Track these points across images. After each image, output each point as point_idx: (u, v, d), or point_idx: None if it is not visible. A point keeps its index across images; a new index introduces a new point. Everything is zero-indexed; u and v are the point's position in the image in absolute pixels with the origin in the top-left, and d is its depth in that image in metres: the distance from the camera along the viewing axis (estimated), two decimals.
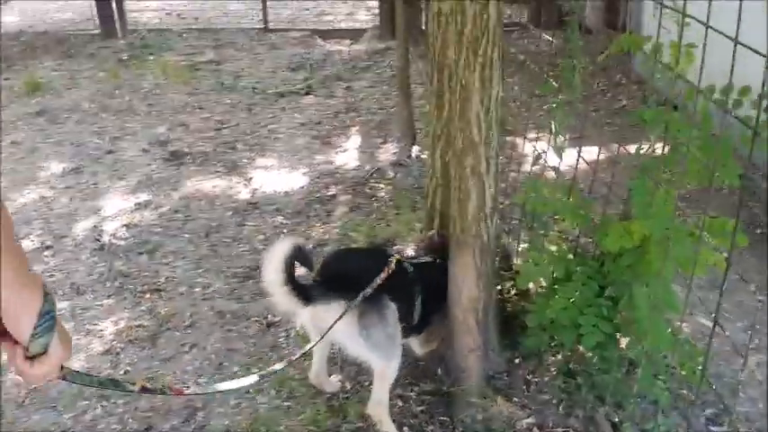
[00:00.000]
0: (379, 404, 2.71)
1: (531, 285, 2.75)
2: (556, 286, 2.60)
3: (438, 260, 2.89)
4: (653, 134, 2.16)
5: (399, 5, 5.19)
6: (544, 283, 2.58)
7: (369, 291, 2.47)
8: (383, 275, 2.53)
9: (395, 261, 2.63)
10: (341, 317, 2.42)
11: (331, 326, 2.45)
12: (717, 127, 2.13)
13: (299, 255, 2.52)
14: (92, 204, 5.19)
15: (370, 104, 6.70)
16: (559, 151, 2.86)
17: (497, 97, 2.38)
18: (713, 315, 1.97)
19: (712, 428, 2.63)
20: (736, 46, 1.65)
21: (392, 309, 2.60)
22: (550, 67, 3.05)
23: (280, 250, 2.47)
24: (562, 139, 2.88)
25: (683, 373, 2.36)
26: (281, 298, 2.49)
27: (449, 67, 2.63)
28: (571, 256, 2.65)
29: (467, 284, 2.71)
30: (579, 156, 2.76)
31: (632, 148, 2.57)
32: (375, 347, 2.57)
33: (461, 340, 2.81)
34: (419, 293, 2.74)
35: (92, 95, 7.69)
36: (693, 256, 2.11)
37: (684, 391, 2.81)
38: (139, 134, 6.54)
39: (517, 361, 2.98)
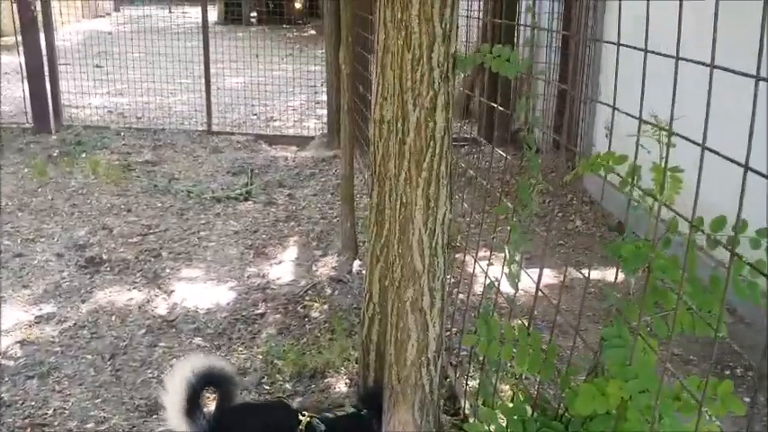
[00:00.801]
0: None
1: None
2: None
3: (364, 411, 2.39)
4: (630, 273, 1.78)
5: (345, 111, 4.91)
6: None
7: None
8: None
9: (305, 422, 2.12)
10: None
11: None
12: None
13: (212, 379, 1.99)
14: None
15: (312, 213, 6.31)
16: (514, 280, 2.46)
17: (444, 219, 1.99)
18: None
19: None
20: (746, 173, 1.30)
21: None
22: (503, 185, 2.70)
23: (186, 370, 1.94)
24: (517, 267, 2.48)
25: None
26: None
27: (390, 180, 2.25)
28: (529, 410, 2.20)
29: None
30: (538, 287, 2.36)
31: (588, 273, 2.18)
32: None
33: None
34: None
35: (12, 192, 7.11)
36: (684, 428, 1.68)
37: None
38: (56, 237, 5.96)
39: None
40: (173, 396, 1.92)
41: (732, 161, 1.36)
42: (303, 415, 2.16)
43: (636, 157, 1.73)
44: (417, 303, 2.04)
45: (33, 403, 3.55)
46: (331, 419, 2.26)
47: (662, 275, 1.67)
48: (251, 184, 7.08)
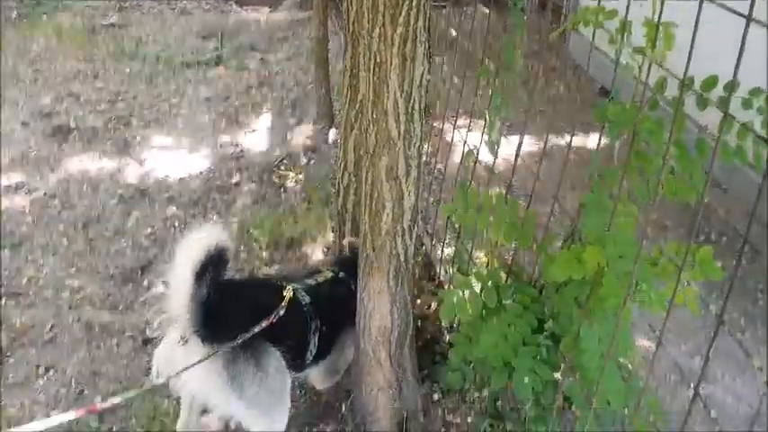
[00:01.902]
0: None
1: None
2: (485, 314, 2.12)
3: (342, 274, 2.37)
4: (615, 137, 1.69)
5: None
6: (471, 312, 2.10)
7: (240, 340, 1.92)
8: (265, 323, 1.98)
9: (288, 297, 2.09)
10: (192, 366, 1.87)
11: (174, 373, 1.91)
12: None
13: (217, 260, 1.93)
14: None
15: (285, 79, 6.08)
16: (494, 147, 2.39)
17: (422, 81, 1.87)
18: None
19: None
20: (748, 24, 1.19)
21: (275, 356, 2.06)
22: (486, 47, 2.56)
23: (197, 248, 1.87)
24: (497, 134, 2.40)
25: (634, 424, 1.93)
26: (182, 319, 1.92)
27: (364, 39, 2.10)
28: (504, 278, 2.19)
29: (378, 313, 2.20)
30: (518, 153, 2.29)
31: (570, 140, 2.11)
32: (251, 404, 2.02)
33: (370, 376, 2.32)
34: (315, 329, 2.21)
35: None
36: (661, 294, 1.67)
37: None
38: (20, 104, 5.71)
39: (436, 397, 2.51)
40: (186, 262, 1.84)
41: (733, 11, 1.24)
42: (286, 289, 2.12)
43: (627, 12, 1.60)
44: (392, 172, 1.96)
45: (7, 273, 3.51)
46: (313, 287, 2.25)
47: (648, 138, 1.59)
48: (221, 48, 6.77)
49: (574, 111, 5.23)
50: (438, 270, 3.05)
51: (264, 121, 5.31)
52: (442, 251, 3.14)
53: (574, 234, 1.92)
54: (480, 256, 3.18)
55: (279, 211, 4.02)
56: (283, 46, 6.98)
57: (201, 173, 4.54)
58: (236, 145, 4.95)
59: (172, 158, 4.75)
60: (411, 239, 2.13)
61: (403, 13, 1.75)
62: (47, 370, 2.87)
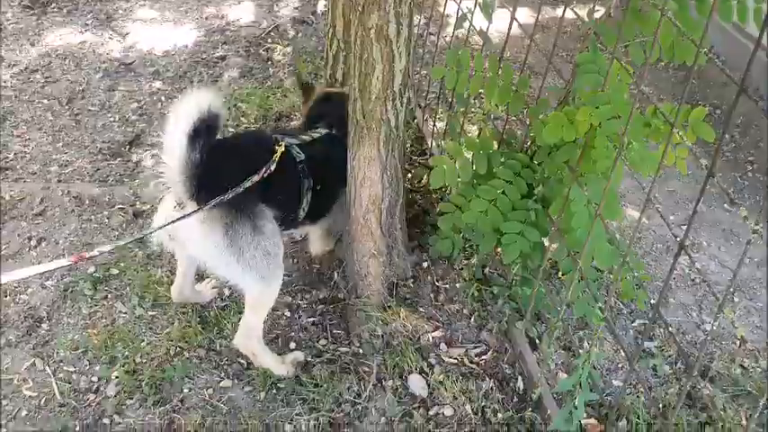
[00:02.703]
0: (249, 338, 2.21)
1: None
2: (475, 182, 2.11)
3: (336, 131, 2.33)
4: None
5: None
6: (461, 179, 2.09)
7: (231, 194, 1.91)
8: (257, 177, 1.97)
9: (280, 152, 2.06)
10: (182, 218, 1.87)
11: (163, 226, 1.92)
12: None
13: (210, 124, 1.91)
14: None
15: None
16: (488, 12, 2.29)
17: None
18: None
19: (645, 345, 2.31)
20: None
21: (268, 217, 2.06)
22: None
23: (192, 107, 1.85)
24: None
25: (618, 285, 1.97)
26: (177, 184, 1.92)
27: None
28: (495, 146, 2.16)
29: (369, 180, 2.19)
30: (513, 18, 2.20)
31: (563, 10, 2.02)
32: (249, 267, 2.03)
33: (361, 244, 2.34)
34: (309, 187, 2.20)
35: None
36: (652, 156, 1.66)
37: (612, 300, 2.48)
38: None
39: (425, 265, 2.55)
40: (179, 123, 1.85)
41: None
42: (279, 144, 2.09)
43: None
44: (383, 31, 1.88)
45: None
46: (307, 143, 2.22)
47: None
48: None
49: None
50: (430, 144, 3.02)
51: None
52: (435, 124, 3.09)
53: (567, 97, 1.88)
54: (473, 130, 3.14)
55: (266, 84, 3.92)
56: None
57: (186, 46, 4.40)
58: (222, 17, 4.76)
59: (156, 32, 4.58)
60: (402, 105, 2.08)
61: None
62: (39, 242, 2.88)
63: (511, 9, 2.20)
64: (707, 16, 1.58)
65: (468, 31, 2.54)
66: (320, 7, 4.66)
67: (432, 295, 2.44)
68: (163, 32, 4.57)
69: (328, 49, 2.74)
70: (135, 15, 4.83)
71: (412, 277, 2.48)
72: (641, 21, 1.72)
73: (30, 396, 2.25)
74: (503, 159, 2.05)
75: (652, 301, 2.36)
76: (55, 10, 4.90)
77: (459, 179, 2.07)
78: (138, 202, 3.07)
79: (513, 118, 2.69)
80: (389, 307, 2.36)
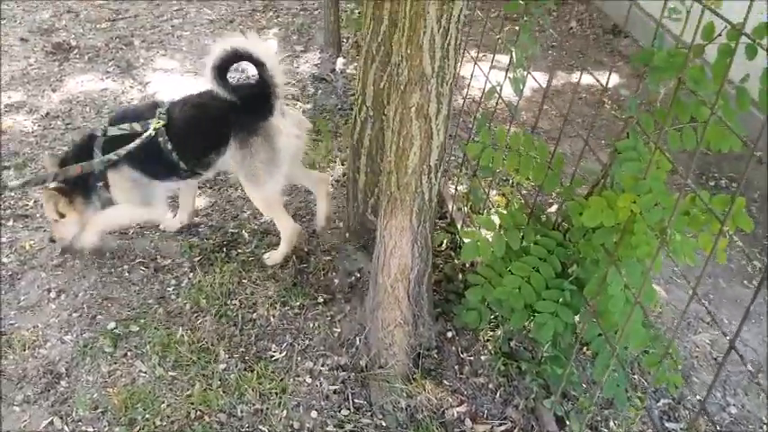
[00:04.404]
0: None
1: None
2: (506, 256, 2.12)
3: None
4: (655, 82, 1.65)
5: None
6: (494, 253, 2.10)
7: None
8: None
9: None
10: None
11: None
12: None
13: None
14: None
15: (291, 4, 5.89)
16: (518, 86, 2.34)
17: (460, 16, 1.81)
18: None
19: (668, 425, 2.29)
20: None
21: None
22: None
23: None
24: (522, 71, 2.35)
25: (650, 368, 1.97)
26: None
27: None
28: (524, 217, 2.18)
29: (399, 250, 2.20)
30: (547, 93, 2.24)
31: (577, 78, 2.06)
32: None
33: (387, 312, 2.34)
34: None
35: None
36: (691, 243, 1.68)
37: (636, 377, 2.47)
38: (18, 20, 5.54)
39: (450, 335, 2.54)
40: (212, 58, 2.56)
41: None
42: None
43: None
44: (423, 109, 1.92)
45: (12, 195, 3.47)
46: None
47: (694, 87, 1.55)
48: None
49: (585, 47, 5.12)
50: (451, 207, 3.04)
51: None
52: (456, 188, 3.11)
53: (604, 179, 1.91)
54: (494, 195, 3.17)
55: None
56: None
57: None
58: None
59: (176, 82, 4.65)
60: (436, 178, 2.11)
61: None
62: (58, 294, 2.87)
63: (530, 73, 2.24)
64: (746, 109, 1.62)
65: (496, 104, 2.59)
66: (339, 65, 4.74)
67: (456, 367, 2.43)
68: (182, 82, 4.64)
69: (357, 114, 2.77)
70: (155, 65, 4.91)
71: (436, 347, 2.47)
72: (682, 109, 1.75)
73: None
74: (536, 235, 2.07)
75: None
76: (77, 57, 4.99)
77: (493, 254, 2.08)
78: (158, 256, 3.07)
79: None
80: (414, 379, 2.34)
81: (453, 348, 2.48)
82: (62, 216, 2.90)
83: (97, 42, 5.19)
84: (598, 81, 2.13)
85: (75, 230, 2.97)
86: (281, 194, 2.94)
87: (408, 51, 1.85)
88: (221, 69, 2.62)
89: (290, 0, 5.99)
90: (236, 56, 2.62)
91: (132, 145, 2.67)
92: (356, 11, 5.41)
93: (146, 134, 2.69)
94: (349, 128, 3.88)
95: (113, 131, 2.77)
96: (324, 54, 4.87)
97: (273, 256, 2.98)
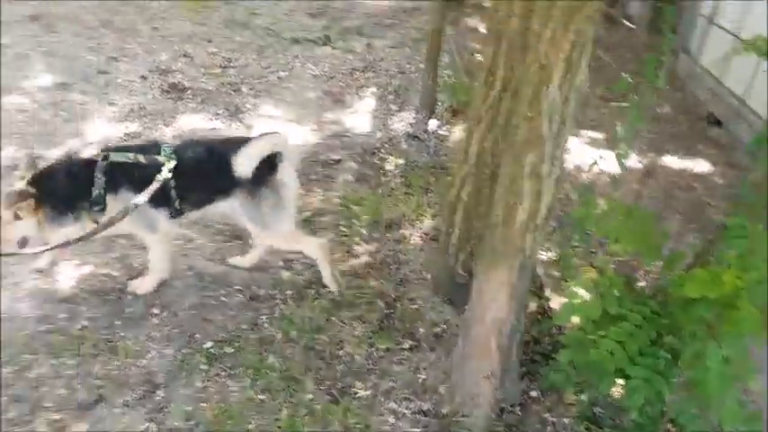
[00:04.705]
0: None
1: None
2: (599, 321, 2.18)
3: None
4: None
5: None
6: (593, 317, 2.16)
7: None
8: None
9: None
10: None
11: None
12: None
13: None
14: (74, 127, 4.70)
15: (389, 66, 6.20)
16: (622, 160, 2.44)
17: (580, 86, 1.94)
18: None
19: None
20: None
21: None
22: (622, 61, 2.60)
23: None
24: (627, 147, 2.45)
25: None
26: None
27: (514, 38, 2.19)
28: (621, 283, 2.24)
29: (496, 304, 2.30)
30: (650, 171, 2.33)
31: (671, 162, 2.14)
32: None
33: (477, 363, 2.42)
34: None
35: (93, 7, 7.13)
36: None
37: None
38: (139, 58, 6.02)
39: (534, 394, 2.59)
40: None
41: None
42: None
43: None
44: (536, 169, 2.04)
45: None
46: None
47: None
48: (329, 29, 6.94)
49: (678, 132, 5.18)
50: (540, 272, 3.11)
51: (367, 104, 5.44)
52: (546, 254, 3.20)
53: (708, 253, 1.97)
54: (582, 264, 3.23)
55: (378, 191, 4.13)
56: (389, 33, 7.10)
57: (305, 145, 4.70)
58: (340, 124, 5.10)
59: (277, 128, 4.92)
60: (540, 237, 2.21)
61: (576, 21, 1.83)
62: (161, 310, 3.06)
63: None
64: None
65: (599, 174, 2.69)
66: (432, 125, 4.93)
67: (539, 426, 2.47)
68: (284, 130, 4.90)
69: (457, 171, 2.91)
70: (260, 111, 5.24)
71: (519, 404, 2.52)
72: None
73: None
74: (633, 304, 2.13)
75: None
76: (190, 97, 5.37)
77: (587, 317, 2.15)
78: (254, 286, 3.24)
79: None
80: (495, 430, 2.40)
81: (537, 408, 2.52)
82: (17, 218, 2.83)
83: (209, 86, 5.58)
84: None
85: (22, 238, 2.87)
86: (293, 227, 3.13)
87: (528, 114, 1.99)
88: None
89: (388, 62, 6.31)
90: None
91: (154, 186, 2.82)
92: (452, 78, 5.64)
93: (164, 171, 2.85)
94: (441, 185, 4.05)
95: (117, 157, 2.88)
96: (418, 115, 5.08)
97: (328, 282, 3.20)
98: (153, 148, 2.97)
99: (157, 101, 5.25)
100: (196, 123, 4.92)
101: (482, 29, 6.86)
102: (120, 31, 6.61)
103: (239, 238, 3.64)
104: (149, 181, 2.83)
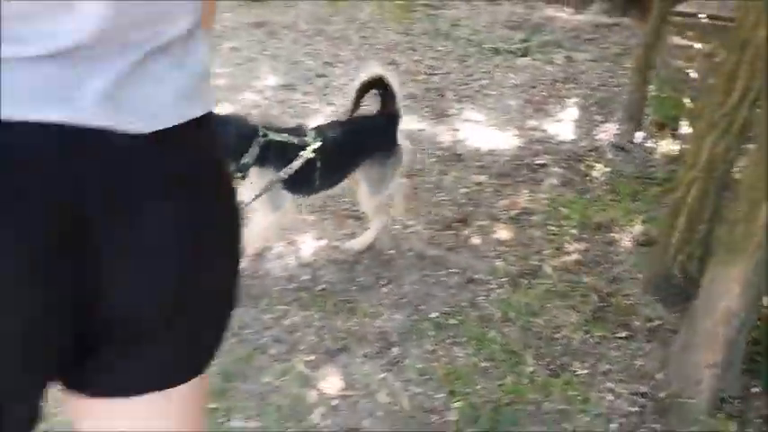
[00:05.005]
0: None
1: None
2: None
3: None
4: None
5: None
6: None
7: None
8: None
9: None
10: None
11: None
12: None
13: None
14: (300, 122, 5.26)
15: (591, 79, 6.29)
16: None
17: None
18: None
19: None
20: None
21: None
22: None
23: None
24: None
25: None
26: None
27: (761, 47, 2.30)
28: None
29: (728, 296, 2.40)
30: None
31: None
32: None
33: (699, 353, 2.52)
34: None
35: (309, 17, 7.84)
36: None
37: None
38: (351, 64, 6.56)
39: (754, 390, 2.65)
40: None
41: None
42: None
43: None
44: None
45: (346, 200, 4.13)
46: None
47: None
48: (528, 41, 7.15)
49: None
50: None
51: (570, 113, 5.59)
52: None
53: None
54: None
55: (586, 197, 4.28)
56: (588, 47, 7.18)
57: (509, 150, 4.94)
58: (543, 130, 5.29)
59: (482, 132, 5.22)
60: None
61: None
62: (388, 282, 3.43)
63: None
64: None
65: None
66: (638, 137, 4.99)
67: (759, 421, 2.52)
68: (487, 134, 5.19)
69: (683, 175, 3.03)
70: (464, 116, 5.55)
71: (740, 398, 2.59)
72: None
73: (383, 402, 2.70)
74: None
75: None
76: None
77: None
78: (469, 270, 3.53)
79: None
80: (717, 417, 2.49)
81: (758, 403, 2.58)
82: None
83: (415, 91, 5.98)
84: None
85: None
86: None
87: None
88: (361, 93, 3.46)
89: (589, 75, 6.41)
90: (376, 83, 3.45)
91: (297, 163, 3.10)
92: (659, 92, 5.65)
93: (308, 150, 3.13)
94: (649, 193, 4.14)
95: (274, 136, 3.13)
96: (623, 126, 5.15)
97: (359, 242, 3.65)
98: (299, 130, 3.31)
99: (367, 101, 5.72)
100: (405, 125, 5.31)
101: (688, 44, 6.80)
102: (333, 39, 7.23)
103: (450, 228, 3.95)
104: (292, 160, 3.12)
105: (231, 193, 1.00)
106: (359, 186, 3.56)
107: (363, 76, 3.45)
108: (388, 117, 3.58)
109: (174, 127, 0.85)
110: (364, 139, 3.52)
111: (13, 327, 0.78)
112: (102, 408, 0.97)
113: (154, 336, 0.92)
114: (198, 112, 0.90)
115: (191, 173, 0.91)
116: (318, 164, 3.19)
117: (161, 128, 0.84)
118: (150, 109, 0.83)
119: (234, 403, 2.68)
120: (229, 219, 0.99)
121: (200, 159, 0.94)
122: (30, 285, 0.77)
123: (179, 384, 0.98)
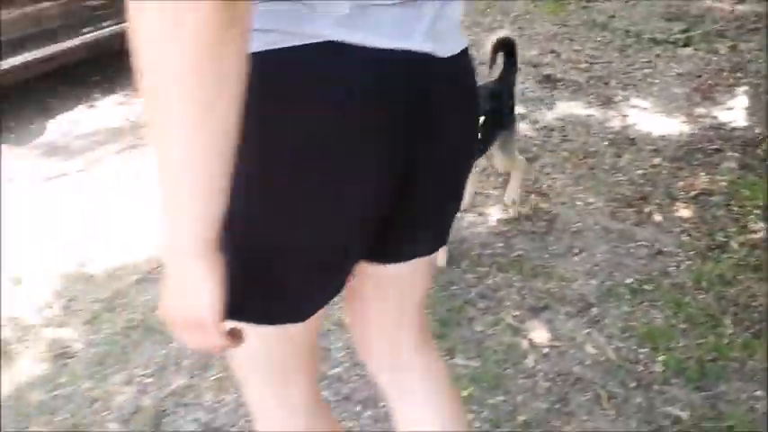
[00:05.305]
0: None
1: None
2: None
3: None
4: None
5: None
6: None
7: None
8: None
9: None
10: None
11: None
12: None
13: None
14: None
15: (759, 67, 6.21)
16: None
17: None
18: None
19: None
20: None
21: None
22: None
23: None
24: None
25: None
26: None
27: None
28: None
29: None
30: None
31: None
32: None
33: None
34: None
35: (463, 9, 8.13)
36: None
37: None
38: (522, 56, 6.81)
39: None
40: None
41: None
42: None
43: None
44: None
45: (529, 178, 4.43)
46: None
47: None
48: (690, 31, 7.12)
49: None
50: None
51: (740, 101, 5.58)
52: None
53: None
54: None
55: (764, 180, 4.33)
56: (753, 37, 7.06)
57: (680, 135, 5.03)
58: (713, 117, 5.34)
59: (650, 118, 5.33)
60: None
61: None
62: (580, 251, 3.68)
63: None
64: None
65: None
66: None
67: None
68: (655, 120, 5.30)
69: None
70: (630, 103, 5.67)
71: None
72: None
73: (590, 353, 2.97)
74: None
75: None
76: (562, 87, 6.00)
77: None
78: (657, 243, 3.72)
79: None
80: None
81: None
82: None
83: (578, 79, 6.16)
84: None
85: None
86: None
87: None
88: (494, 54, 3.61)
89: (757, 64, 6.33)
90: (504, 45, 3.62)
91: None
92: None
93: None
94: None
95: None
96: None
97: (512, 195, 4.02)
98: None
99: (534, 89, 5.97)
100: (574, 109, 5.53)
101: None
102: (490, 30, 7.50)
103: (631, 206, 4.14)
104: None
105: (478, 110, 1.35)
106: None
107: (494, 38, 3.65)
108: (510, 83, 3.83)
109: (460, 53, 1.20)
110: (504, 102, 3.73)
111: (372, 197, 1.12)
112: (382, 271, 1.40)
113: (431, 219, 1.33)
114: (466, 42, 1.26)
115: (473, 88, 1.28)
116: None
117: (457, 52, 1.18)
118: (450, 38, 1.16)
119: (454, 344, 3.04)
120: (476, 134, 1.39)
121: (474, 78, 1.33)
122: (389, 170, 1.11)
123: (435, 252, 1.45)
